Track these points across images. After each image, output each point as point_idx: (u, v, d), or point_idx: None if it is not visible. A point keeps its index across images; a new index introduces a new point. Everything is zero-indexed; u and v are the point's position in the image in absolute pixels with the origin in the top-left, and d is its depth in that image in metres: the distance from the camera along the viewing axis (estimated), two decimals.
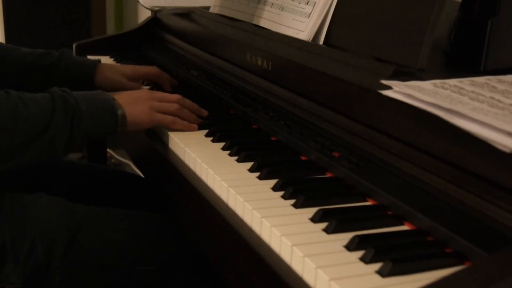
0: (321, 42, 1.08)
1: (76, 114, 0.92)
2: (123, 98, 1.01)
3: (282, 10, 1.18)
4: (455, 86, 0.76)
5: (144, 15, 2.45)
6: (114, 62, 1.61)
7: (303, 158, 0.94)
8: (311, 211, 0.75)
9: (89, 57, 1.65)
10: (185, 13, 1.55)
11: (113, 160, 2.58)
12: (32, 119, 0.88)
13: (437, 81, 0.78)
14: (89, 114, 0.94)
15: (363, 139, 0.89)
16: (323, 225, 0.71)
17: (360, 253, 0.65)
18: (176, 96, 1.08)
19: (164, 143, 1.06)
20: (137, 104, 1.01)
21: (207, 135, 1.04)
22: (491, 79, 0.81)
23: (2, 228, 0.92)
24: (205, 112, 1.11)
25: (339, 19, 1.05)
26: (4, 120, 0.86)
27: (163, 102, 1.05)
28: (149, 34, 1.77)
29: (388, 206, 0.76)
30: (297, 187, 0.80)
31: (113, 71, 1.30)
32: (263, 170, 0.87)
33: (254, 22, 1.25)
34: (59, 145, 0.91)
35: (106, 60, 1.64)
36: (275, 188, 0.82)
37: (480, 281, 0.55)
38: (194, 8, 1.53)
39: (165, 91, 1.28)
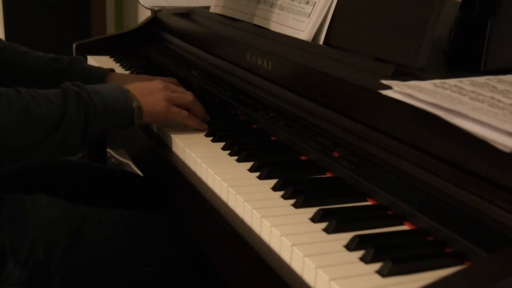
0: (321, 42, 1.08)
1: (89, 109, 0.91)
2: (137, 89, 1.00)
3: (282, 10, 1.18)
4: (455, 86, 0.76)
5: (144, 15, 2.45)
6: (114, 62, 1.61)
7: (303, 158, 0.94)
8: (311, 211, 0.75)
9: (89, 58, 1.65)
10: (185, 13, 1.55)
11: (113, 160, 2.58)
12: (44, 117, 0.87)
13: (437, 81, 0.78)
14: (104, 108, 0.93)
15: (363, 139, 0.89)
16: (323, 225, 0.71)
17: (360, 253, 0.65)
18: (189, 92, 1.09)
19: (164, 143, 1.06)
20: (152, 94, 1.01)
21: (207, 135, 1.04)
22: (491, 79, 0.81)
23: (2, 229, 0.92)
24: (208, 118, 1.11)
25: (339, 19, 1.05)
26: (15, 119, 0.85)
27: (177, 92, 1.05)
28: (149, 34, 1.77)
29: (388, 206, 0.76)
30: (297, 187, 0.80)
31: (124, 81, 1.23)
32: (263, 170, 0.87)
33: (254, 22, 1.25)
34: (74, 140, 0.90)
35: (106, 59, 1.64)
36: (275, 188, 0.82)
37: (480, 281, 0.55)
38: (194, 8, 1.53)
39: None
